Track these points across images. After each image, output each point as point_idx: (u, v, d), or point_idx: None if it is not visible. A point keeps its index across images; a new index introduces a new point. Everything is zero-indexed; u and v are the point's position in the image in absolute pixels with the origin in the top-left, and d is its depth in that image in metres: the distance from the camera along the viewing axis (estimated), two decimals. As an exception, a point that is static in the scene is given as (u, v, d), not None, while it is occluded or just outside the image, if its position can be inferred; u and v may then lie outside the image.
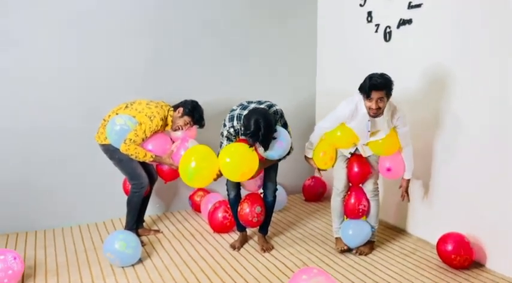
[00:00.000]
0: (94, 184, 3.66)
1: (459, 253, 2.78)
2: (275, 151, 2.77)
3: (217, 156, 2.96)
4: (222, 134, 2.94)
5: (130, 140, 3.00)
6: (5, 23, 3.24)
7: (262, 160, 2.86)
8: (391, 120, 2.81)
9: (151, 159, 3.10)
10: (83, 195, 3.64)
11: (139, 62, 3.68)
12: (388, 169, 3.00)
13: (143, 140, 3.06)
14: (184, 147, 3.18)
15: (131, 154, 3.03)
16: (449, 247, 2.81)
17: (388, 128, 2.82)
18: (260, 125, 2.61)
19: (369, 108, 2.72)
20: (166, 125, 3.22)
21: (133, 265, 2.93)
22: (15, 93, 3.34)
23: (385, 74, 2.71)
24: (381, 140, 2.87)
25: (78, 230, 3.55)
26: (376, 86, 2.64)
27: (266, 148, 2.71)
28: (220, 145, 2.95)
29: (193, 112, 3.20)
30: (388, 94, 2.70)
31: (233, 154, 2.76)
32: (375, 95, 2.66)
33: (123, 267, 2.90)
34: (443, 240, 2.87)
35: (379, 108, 2.69)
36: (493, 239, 2.84)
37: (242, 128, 2.75)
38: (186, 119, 3.20)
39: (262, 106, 2.84)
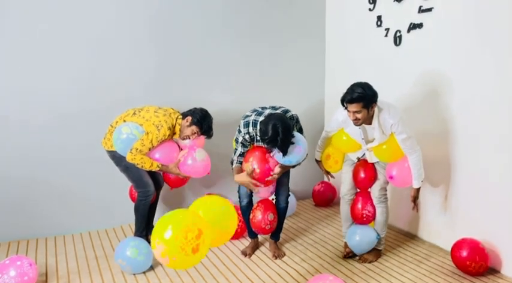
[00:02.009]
0: (103, 191, 3.65)
1: (474, 260, 2.74)
2: (293, 156, 2.75)
3: (231, 163, 2.96)
4: (236, 141, 2.92)
5: (137, 149, 2.97)
6: (20, 32, 3.26)
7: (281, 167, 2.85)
8: (384, 128, 2.75)
9: (158, 169, 3.08)
10: (92, 202, 3.64)
11: (148, 68, 3.68)
12: (391, 177, 2.94)
13: (150, 149, 3.02)
14: (192, 156, 3.16)
15: (137, 164, 3.01)
16: (464, 254, 2.77)
17: (383, 135, 2.78)
18: (278, 130, 2.58)
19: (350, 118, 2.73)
20: (174, 133, 3.16)
21: (144, 272, 2.92)
22: (28, 101, 3.35)
23: (366, 85, 2.64)
24: (385, 146, 2.83)
25: (88, 236, 3.54)
26: (350, 100, 2.62)
27: (285, 153, 2.69)
28: (235, 152, 2.94)
29: (202, 122, 3.11)
30: (367, 106, 2.64)
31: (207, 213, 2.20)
32: (350, 107, 2.65)
33: (134, 274, 2.89)
34: (457, 246, 2.84)
35: (357, 119, 2.67)
36: (508, 245, 2.80)
37: (259, 134, 2.73)
38: (194, 128, 3.13)
39: (278, 111, 2.83)
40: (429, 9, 3.15)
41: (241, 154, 2.91)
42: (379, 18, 3.64)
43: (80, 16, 3.42)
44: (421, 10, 3.21)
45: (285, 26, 4.17)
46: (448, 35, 3.05)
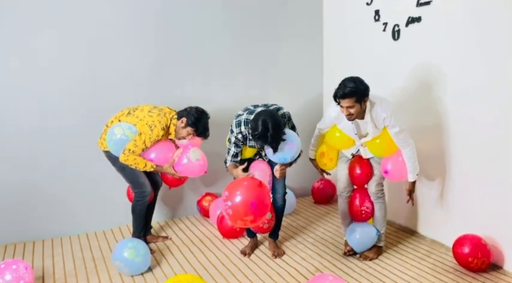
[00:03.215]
0: (100, 192, 3.61)
1: (476, 256, 2.71)
2: (287, 153, 2.71)
3: (225, 162, 2.91)
4: (229, 141, 2.87)
5: (129, 150, 2.92)
6: (20, 32, 3.22)
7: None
8: (377, 122, 2.73)
9: (152, 169, 3.03)
10: (89, 203, 3.60)
11: (147, 67, 3.64)
12: (386, 172, 2.91)
13: (143, 150, 2.97)
14: (187, 156, 3.12)
15: (130, 165, 2.96)
16: (466, 250, 2.74)
17: (376, 129, 2.75)
18: (268, 126, 2.54)
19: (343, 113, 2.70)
20: (169, 133, 3.10)
21: (142, 273, 2.88)
22: (26, 101, 3.31)
23: (357, 80, 2.62)
24: (378, 140, 2.80)
25: (85, 238, 3.51)
26: (343, 96, 2.60)
27: (275, 149, 2.65)
28: (228, 152, 2.89)
29: (197, 124, 3.02)
30: (359, 100, 2.61)
31: None
32: (343, 103, 2.62)
33: (132, 276, 2.85)
34: (459, 242, 2.81)
35: (350, 114, 2.65)
36: (510, 240, 2.77)
37: (250, 132, 2.69)
38: (189, 130, 3.04)
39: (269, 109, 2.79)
40: (427, 3, 3.11)
41: (235, 155, 2.87)
42: (376, 12, 3.59)
43: (80, 16, 3.38)
44: (419, 4, 3.16)
45: (283, 22, 4.13)
46: (447, 28, 3.00)
